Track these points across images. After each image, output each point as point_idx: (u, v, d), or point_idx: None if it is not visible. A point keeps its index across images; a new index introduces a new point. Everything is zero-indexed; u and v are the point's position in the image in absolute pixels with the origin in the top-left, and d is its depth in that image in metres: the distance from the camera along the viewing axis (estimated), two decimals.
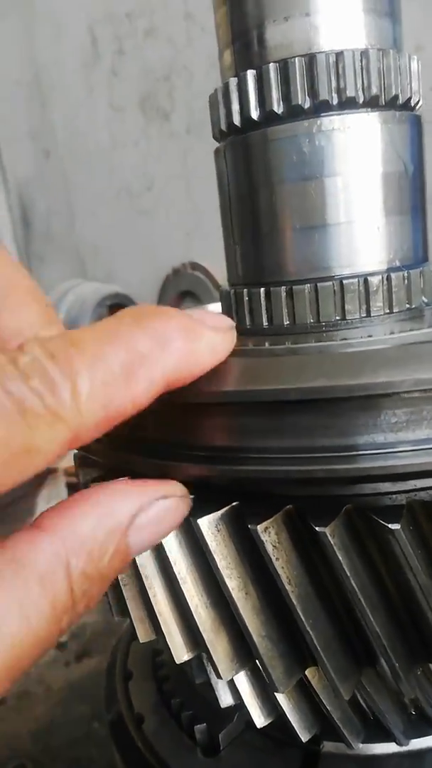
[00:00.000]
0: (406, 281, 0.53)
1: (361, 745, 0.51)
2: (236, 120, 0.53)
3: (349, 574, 0.39)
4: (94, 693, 2.27)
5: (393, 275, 0.52)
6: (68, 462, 2.46)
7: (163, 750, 0.57)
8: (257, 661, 0.45)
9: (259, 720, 0.53)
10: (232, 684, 0.53)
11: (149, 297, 6.91)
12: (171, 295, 7.20)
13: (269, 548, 0.40)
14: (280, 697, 0.50)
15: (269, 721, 0.53)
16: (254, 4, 0.51)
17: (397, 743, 0.50)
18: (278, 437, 0.38)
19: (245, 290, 0.56)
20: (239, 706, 0.54)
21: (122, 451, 0.49)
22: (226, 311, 0.60)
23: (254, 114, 0.52)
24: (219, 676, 0.46)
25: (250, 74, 0.51)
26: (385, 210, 0.52)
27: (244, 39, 0.53)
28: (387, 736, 0.51)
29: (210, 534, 0.42)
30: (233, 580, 0.42)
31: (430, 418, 0.36)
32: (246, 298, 0.56)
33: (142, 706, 0.62)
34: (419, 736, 0.51)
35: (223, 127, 0.55)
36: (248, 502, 0.43)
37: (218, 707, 0.55)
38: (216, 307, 0.80)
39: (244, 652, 0.46)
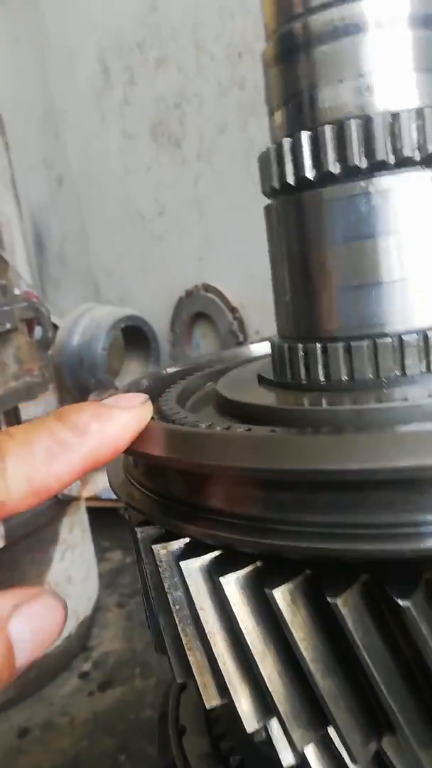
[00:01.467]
0: None
1: None
2: (290, 179, 0.54)
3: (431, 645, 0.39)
4: (120, 725, 2.25)
5: None
6: (89, 491, 2.45)
7: None
8: (334, 730, 0.44)
9: None
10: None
11: (163, 318, 6.96)
12: (184, 316, 7.23)
13: (349, 621, 0.40)
14: (347, 758, 0.49)
15: None
16: (307, 66, 0.52)
17: None
18: (359, 512, 0.38)
19: (299, 345, 0.56)
20: (302, 766, 0.54)
21: (180, 519, 0.49)
22: (278, 363, 0.60)
23: (309, 174, 0.52)
24: (293, 746, 0.45)
25: (305, 135, 0.52)
26: None
27: (296, 100, 0.54)
28: None
29: (285, 604, 0.42)
30: (310, 652, 0.42)
31: None
32: (301, 353, 0.56)
33: (199, 763, 0.62)
34: None
35: (276, 185, 0.56)
36: (321, 570, 0.43)
37: (279, 765, 0.54)
38: (261, 347, 0.80)
39: (318, 720, 0.45)
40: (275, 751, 0.53)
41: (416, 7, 0.50)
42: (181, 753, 0.63)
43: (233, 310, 7.32)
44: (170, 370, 0.72)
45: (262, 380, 0.63)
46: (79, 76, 3.94)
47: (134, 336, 6.96)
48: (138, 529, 0.55)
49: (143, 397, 0.49)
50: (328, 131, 0.51)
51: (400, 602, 0.38)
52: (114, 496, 0.60)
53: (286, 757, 0.54)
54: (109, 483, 0.62)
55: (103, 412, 0.46)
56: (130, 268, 6.37)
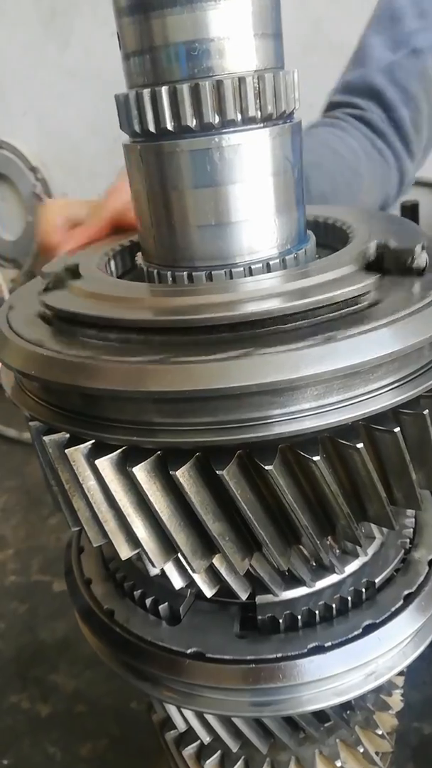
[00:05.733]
0: (296, 260, 0.68)
1: (282, 593, 0.73)
2: (151, 128, 0.62)
3: (287, 491, 0.57)
4: None
5: (286, 257, 0.67)
6: None
7: (137, 629, 0.75)
8: (221, 555, 0.63)
9: (209, 591, 0.72)
10: (183, 570, 0.72)
11: None
12: None
13: (232, 484, 0.57)
14: (224, 571, 0.70)
15: (215, 591, 0.73)
16: (162, 26, 0.58)
17: (306, 586, 0.74)
18: (232, 413, 0.54)
19: (168, 272, 0.68)
20: (190, 585, 0.74)
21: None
22: (157, 281, 0.70)
23: (169, 126, 0.61)
24: (193, 571, 0.64)
25: (164, 90, 0.59)
26: (277, 207, 0.65)
27: (152, 54, 0.60)
28: (299, 583, 0.74)
29: (184, 480, 0.57)
30: (204, 507, 0.59)
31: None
32: (170, 279, 0.68)
33: (109, 602, 0.80)
34: (320, 579, 0.74)
35: (137, 129, 0.63)
36: (207, 453, 0.59)
37: (173, 589, 0.74)
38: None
39: (209, 551, 0.63)
40: (169, 580, 0.72)
41: None
42: (93, 598, 0.80)
43: (34, 170, 6.69)
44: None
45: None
46: None
47: None
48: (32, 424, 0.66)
49: None
50: (186, 90, 0.59)
51: (265, 467, 0.56)
52: None
53: (177, 582, 0.73)
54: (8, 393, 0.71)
55: None
56: None
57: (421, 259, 0.62)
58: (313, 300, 0.57)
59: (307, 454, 0.56)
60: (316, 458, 0.56)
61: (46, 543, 2.43)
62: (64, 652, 2.02)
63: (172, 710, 0.85)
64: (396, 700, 0.98)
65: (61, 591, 2.21)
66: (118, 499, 0.61)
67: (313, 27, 3.22)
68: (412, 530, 0.84)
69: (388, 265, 0.63)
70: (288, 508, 0.59)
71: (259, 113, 0.61)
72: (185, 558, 0.63)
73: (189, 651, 0.72)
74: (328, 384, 0.55)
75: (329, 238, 0.81)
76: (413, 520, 0.86)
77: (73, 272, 0.71)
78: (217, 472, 0.56)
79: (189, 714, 0.83)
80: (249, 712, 0.72)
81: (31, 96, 5.16)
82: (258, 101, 0.60)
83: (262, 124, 0.62)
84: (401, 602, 0.75)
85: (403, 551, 0.81)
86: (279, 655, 0.70)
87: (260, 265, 0.66)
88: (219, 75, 0.59)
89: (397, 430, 0.58)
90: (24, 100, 5.42)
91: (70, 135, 4.88)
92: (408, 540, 0.83)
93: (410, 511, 0.86)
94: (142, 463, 0.58)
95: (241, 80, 0.59)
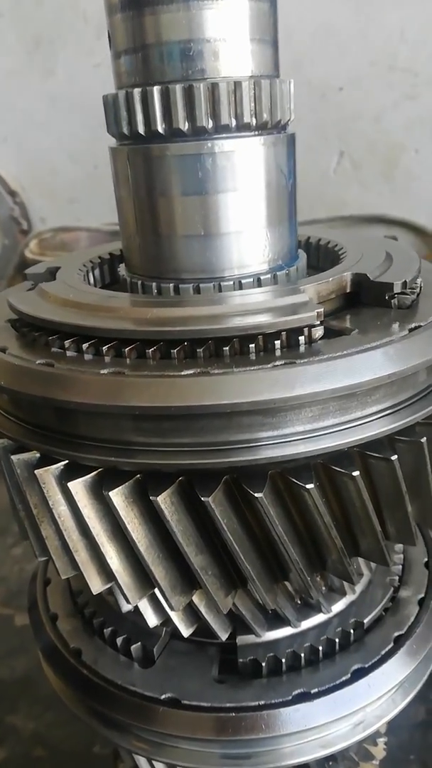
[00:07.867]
0: (288, 277, 0.64)
1: (265, 633, 0.68)
2: (141, 129, 0.58)
3: (277, 522, 0.53)
4: None
5: (277, 273, 0.63)
6: None
7: (106, 671, 0.69)
8: (203, 591, 0.57)
9: (186, 631, 0.66)
10: (158, 607, 0.66)
11: None
12: None
13: (217, 512, 0.52)
14: (203, 609, 0.64)
15: (192, 630, 0.67)
16: (155, 23, 0.55)
17: (291, 626, 0.68)
18: (222, 434, 0.50)
19: (153, 283, 0.64)
20: (165, 623, 0.68)
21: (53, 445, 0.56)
22: (141, 292, 0.66)
23: (160, 128, 0.57)
24: (171, 608, 0.58)
25: (156, 90, 0.56)
26: (269, 220, 0.62)
27: (143, 52, 0.57)
28: (284, 623, 0.68)
29: (165, 507, 0.52)
30: (186, 538, 0.54)
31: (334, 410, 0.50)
32: (155, 291, 0.63)
33: (76, 641, 0.73)
34: (306, 618, 0.69)
35: (125, 131, 0.59)
36: (191, 477, 0.54)
37: (146, 627, 0.68)
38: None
39: (190, 586, 0.58)
40: (142, 617, 0.67)
41: None
42: (57, 634, 0.74)
43: (13, 193, 6.70)
44: None
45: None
46: None
47: None
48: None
49: None
50: (179, 90, 0.55)
51: (255, 495, 0.51)
52: None
53: (152, 620, 0.67)
54: None
55: None
56: None
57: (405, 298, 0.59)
58: (306, 316, 0.54)
59: (300, 481, 0.51)
60: (310, 486, 0.51)
61: (8, 574, 2.31)
62: (24, 692, 1.89)
63: (141, 761, 0.78)
64: (380, 750, 0.92)
65: (22, 625, 2.09)
66: (92, 527, 0.55)
67: (294, 66, 3.27)
68: (400, 567, 0.80)
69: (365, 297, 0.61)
70: (278, 541, 0.54)
71: (254, 120, 0.58)
72: (163, 594, 0.57)
73: (163, 697, 0.65)
74: (324, 405, 0.51)
75: (320, 259, 0.78)
76: (401, 556, 0.82)
77: (54, 276, 0.67)
78: (201, 498, 0.51)
79: (160, 766, 0.76)
80: (226, 765, 0.66)
81: (13, 122, 5.13)
82: (254, 107, 0.57)
83: (256, 132, 0.59)
84: (391, 645, 0.70)
85: (392, 589, 0.77)
86: (261, 702, 0.64)
87: (250, 279, 0.62)
88: (213, 78, 0.56)
89: (394, 457, 0.54)
90: (5, 126, 5.39)
91: (50, 161, 4.87)
92: (396, 578, 0.78)
93: (399, 548, 0.81)
94: (120, 487, 0.53)
95: (237, 84, 0.56)
